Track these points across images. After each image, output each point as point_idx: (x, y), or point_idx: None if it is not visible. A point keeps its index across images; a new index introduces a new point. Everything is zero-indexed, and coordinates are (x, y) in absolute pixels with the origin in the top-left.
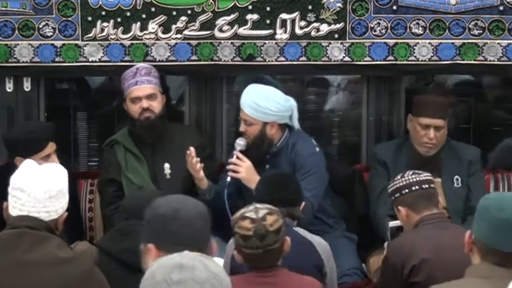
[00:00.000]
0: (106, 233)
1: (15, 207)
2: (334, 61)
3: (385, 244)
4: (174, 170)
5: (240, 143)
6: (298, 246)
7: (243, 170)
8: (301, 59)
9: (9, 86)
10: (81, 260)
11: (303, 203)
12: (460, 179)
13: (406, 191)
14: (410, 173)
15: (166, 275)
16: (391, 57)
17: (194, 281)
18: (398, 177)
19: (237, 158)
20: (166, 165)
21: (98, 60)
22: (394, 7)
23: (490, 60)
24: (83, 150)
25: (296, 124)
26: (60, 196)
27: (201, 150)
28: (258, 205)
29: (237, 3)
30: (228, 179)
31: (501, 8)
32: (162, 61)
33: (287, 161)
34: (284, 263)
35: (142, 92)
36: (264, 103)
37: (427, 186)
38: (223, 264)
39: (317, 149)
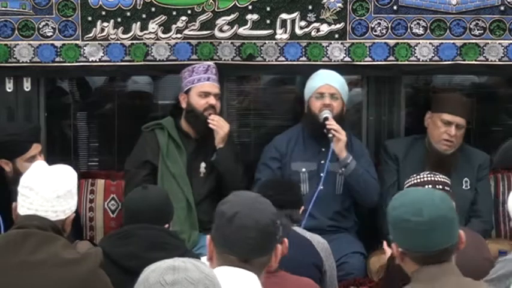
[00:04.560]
0: (106, 233)
1: (24, 205)
2: (334, 61)
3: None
4: (209, 170)
5: (328, 111)
6: (297, 245)
7: (344, 133)
8: (301, 59)
9: (9, 86)
10: (86, 261)
11: (302, 207)
12: (469, 182)
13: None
14: (427, 172)
15: (159, 277)
16: (391, 58)
17: (188, 281)
18: (414, 175)
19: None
20: (203, 164)
21: (98, 60)
22: (395, 7)
23: (491, 61)
24: (83, 150)
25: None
26: (68, 196)
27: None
28: None
29: (237, 3)
30: (330, 135)
31: (502, 8)
32: (162, 61)
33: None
34: (283, 262)
35: (213, 89)
36: (345, 82)
37: (441, 187)
38: None
39: None
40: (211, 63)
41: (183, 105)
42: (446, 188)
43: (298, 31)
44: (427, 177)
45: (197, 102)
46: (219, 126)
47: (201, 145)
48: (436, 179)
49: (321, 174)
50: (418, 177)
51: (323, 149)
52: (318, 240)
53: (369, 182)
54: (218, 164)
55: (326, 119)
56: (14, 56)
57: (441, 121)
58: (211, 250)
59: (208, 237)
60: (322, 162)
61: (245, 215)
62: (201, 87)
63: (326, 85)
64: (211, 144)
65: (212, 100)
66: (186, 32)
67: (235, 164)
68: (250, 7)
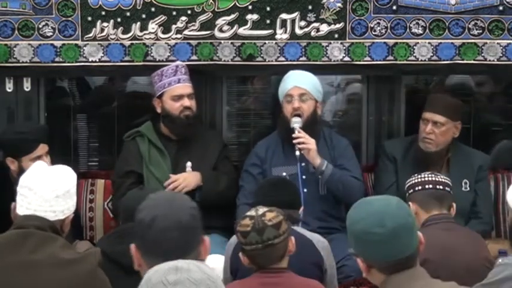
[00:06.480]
0: (106, 233)
1: (22, 205)
2: (334, 61)
3: None
4: (195, 169)
5: (297, 120)
6: (297, 245)
7: (312, 142)
8: (301, 59)
9: (9, 86)
10: (85, 261)
11: (302, 208)
12: (468, 183)
13: (420, 188)
14: (428, 172)
15: (162, 277)
16: (390, 57)
17: (190, 281)
18: (416, 175)
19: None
20: (189, 164)
21: (97, 60)
22: (394, 7)
23: (489, 60)
24: (83, 150)
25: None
26: (67, 196)
27: (224, 152)
28: (258, 206)
29: (237, 3)
30: (297, 153)
31: (501, 8)
32: (162, 61)
33: (324, 147)
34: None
35: (185, 90)
36: (318, 81)
37: (441, 187)
38: (224, 261)
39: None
40: (179, 63)
41: (158, 110)
42: (446, 188)
43: (298, 31)
44: (428, 177)
45: (171, 106)
46: (186, 186)
47: (183, 145)
48: (436, 179)
49: (303, 177)
50: (419, 177)
51: (302, 152)
52: (318, 239)
53: (349, 184)
54: (202, 202)
55: (293, 130)
56: (14, 56)
57: (422, 120)
58: (138, 258)
59: (132, 246)
60: (303, 164)
61: (164, 217)
62: (173, 91)
63: (294, 87)
64: (194, 143)
65: (186, 102)
66: (186, 32)
67: (219, 189)
68: (250, 7)
